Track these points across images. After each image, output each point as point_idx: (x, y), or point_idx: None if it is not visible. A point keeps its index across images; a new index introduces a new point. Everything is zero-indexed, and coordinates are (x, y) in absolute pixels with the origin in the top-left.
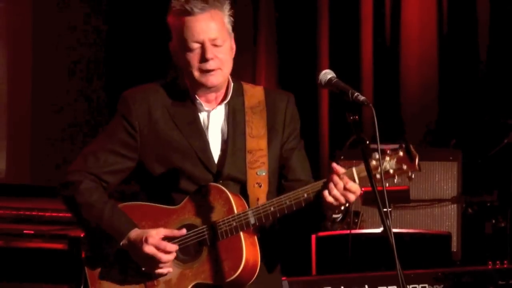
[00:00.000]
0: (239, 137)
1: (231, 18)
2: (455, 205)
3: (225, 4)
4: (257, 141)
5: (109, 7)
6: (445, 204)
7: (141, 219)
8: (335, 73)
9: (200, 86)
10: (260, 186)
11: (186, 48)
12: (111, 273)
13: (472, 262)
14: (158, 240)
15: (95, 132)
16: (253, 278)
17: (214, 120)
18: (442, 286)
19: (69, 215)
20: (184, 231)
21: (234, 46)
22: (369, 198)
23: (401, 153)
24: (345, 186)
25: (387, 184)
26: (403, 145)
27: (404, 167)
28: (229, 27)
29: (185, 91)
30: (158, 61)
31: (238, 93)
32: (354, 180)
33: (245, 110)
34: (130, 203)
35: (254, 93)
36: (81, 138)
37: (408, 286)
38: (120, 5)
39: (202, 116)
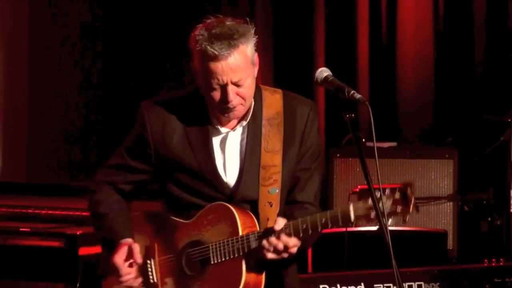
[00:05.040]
0: (255, 152)
1: (255, 42)
2: (451, 203)
3: (250, 33)
4: (271, 156)
5: (106, 5)
6: (441, 202)
7: (156, 229)
8: (331, 71)
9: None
10: (271, 206)
11: (207, 86)
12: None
13: (468, 260)
14: (121, 262)
15: (91, 130)
16: None
17: (232, 140)
18: (438, 284)
19: (65, 213)
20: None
21: (257, 65)
22: (365, 196)
23: (397, 195)
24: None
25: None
26: (402, 187)
27: (399, 209)
28: (253, 55)
29: (204, 110)
30: (155, 54)
31: (257, 101)
32: (349, 219)
33: (262, 123)
34: (149, 211)
35: (273, 102)
36: (76, 136)
37: (404, 284)
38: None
39: (220, 137)
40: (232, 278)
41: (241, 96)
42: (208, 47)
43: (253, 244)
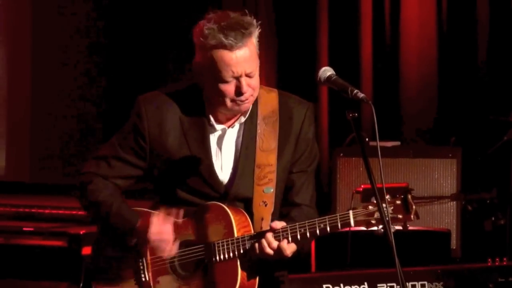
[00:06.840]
0: (250, 151)
1: (258, 33)
2: (454, 203)
3: (254, 24)
4: (266, 155)
5: (110, 3)
6: (444, 201)
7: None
8: (334, 70)
9: (227, 110)
10: (266, 205)
11: (220, 79)
12: (110, 278)
13: (472, 259)
14: (160, 227)
15: (93, 130)
16: None
17: (229, 137)
18: (441, 283)
19: (69, 212)
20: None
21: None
22: (368, 195)
23: (398, 202)
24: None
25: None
26: (402, 195)
27: (400, 216)
28: (257, 46)
29: (201, 107)
30: (158, 49)
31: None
32: (349, 225)
33: (257, 121)
34: (140, 209)
35: (268, 100)
36: (79, 135)
37: (407, 284)
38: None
39: (217, 135)
40: (227, 281)
41: (252, 88)
42: (223, 38)
43: (248, 245)
